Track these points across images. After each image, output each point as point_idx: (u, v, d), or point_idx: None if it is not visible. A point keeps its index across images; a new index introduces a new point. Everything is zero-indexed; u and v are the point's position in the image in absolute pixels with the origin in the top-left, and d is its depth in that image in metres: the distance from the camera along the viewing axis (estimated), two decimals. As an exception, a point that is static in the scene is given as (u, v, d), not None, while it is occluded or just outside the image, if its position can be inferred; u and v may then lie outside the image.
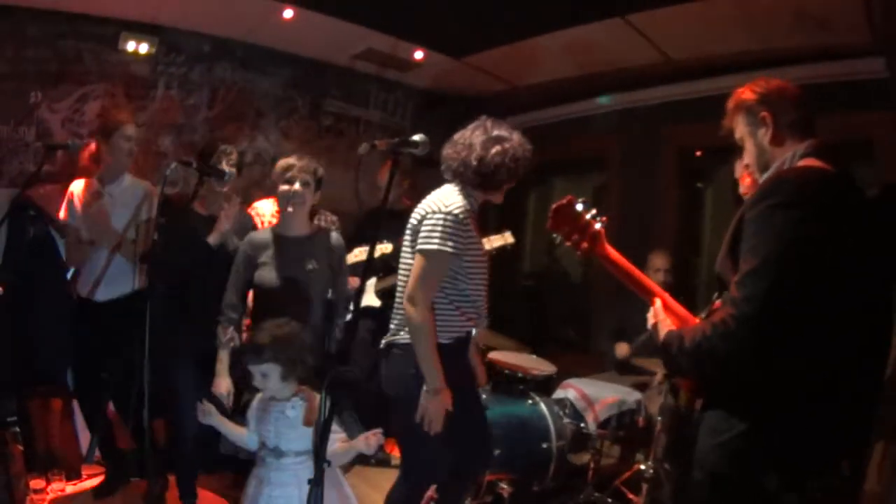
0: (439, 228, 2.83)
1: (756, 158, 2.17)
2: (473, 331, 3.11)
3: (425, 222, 2.89)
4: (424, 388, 2.80)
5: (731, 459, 1.94)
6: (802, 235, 1.85)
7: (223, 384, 3.36)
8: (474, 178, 2.95)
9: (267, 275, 3.42)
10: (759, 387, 1.92)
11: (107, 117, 4.44)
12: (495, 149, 2.90)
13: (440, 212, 2.86)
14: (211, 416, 2.84)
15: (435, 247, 2.82)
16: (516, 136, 2.98)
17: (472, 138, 2.95)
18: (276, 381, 2.72)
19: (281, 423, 2.73)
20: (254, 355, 2.71)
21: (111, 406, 4.07)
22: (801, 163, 2.02)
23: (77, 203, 4.00)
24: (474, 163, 2.90)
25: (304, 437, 2.71)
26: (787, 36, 4.48)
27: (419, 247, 2.87)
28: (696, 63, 5.30)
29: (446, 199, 2.92)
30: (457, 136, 3.02)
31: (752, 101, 2.15)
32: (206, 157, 3.77)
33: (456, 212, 2.86)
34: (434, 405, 2.79)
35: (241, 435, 2.87)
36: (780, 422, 1.89)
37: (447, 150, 3.02)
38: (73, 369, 4.48)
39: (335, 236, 3.60)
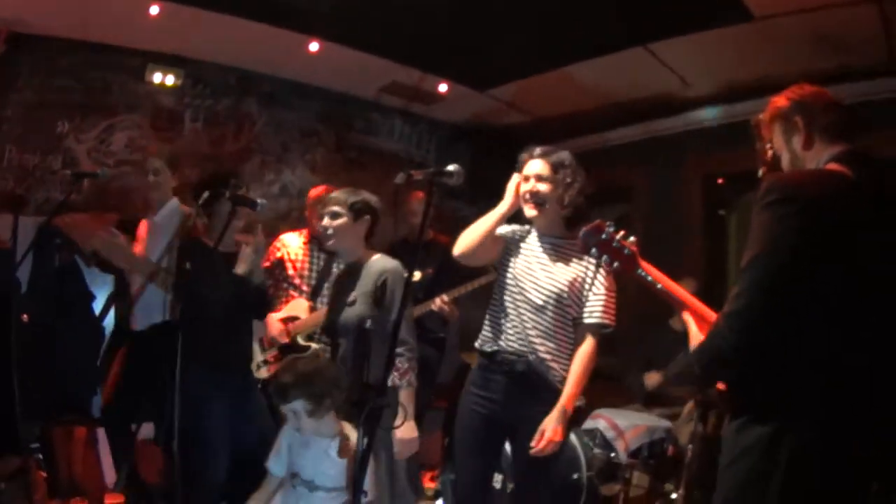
0: None
1: (790, 168, 2.03)
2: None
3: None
4: None
5: (739, 485, 1.80)
6: (796, 227, 1.74)
7: None
8: None
9: None
10: (760, 397, 1.80)
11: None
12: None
13: None
14: None
15: None
16: None
17: None
18: (305, 417, 2.61)
19: (321, 461, 2.64)
20: (279, 395, 2.62)
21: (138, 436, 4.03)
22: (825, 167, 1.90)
23: None
24: None
25: (341, 475, 2.62)
26: (806, 59, 4.49)
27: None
28: (716, 90, 5.34)
29: None
30: None
31: (786, 107, 2.02)
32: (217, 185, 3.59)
33: None
34: None
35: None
36: (787, 440, 1.72)
37: None
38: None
39: (379, 259, 3.17)
